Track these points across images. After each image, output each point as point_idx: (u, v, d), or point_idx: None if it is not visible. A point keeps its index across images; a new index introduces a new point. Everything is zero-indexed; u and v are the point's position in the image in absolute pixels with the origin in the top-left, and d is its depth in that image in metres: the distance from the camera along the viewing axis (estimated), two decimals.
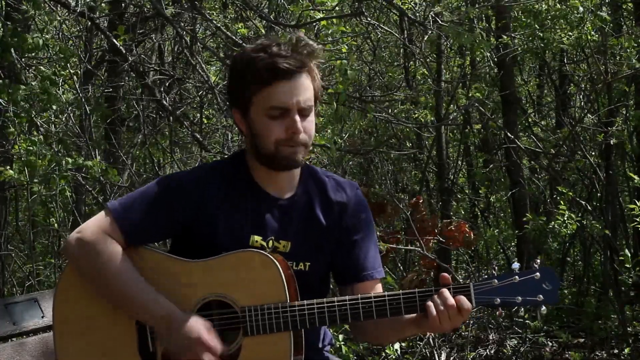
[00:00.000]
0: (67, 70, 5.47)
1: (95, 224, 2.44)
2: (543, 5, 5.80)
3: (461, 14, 5.67)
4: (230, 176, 2.50)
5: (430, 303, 2.34)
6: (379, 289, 2.58)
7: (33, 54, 5.76)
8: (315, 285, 2.50)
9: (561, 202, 6.12)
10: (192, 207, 2.45)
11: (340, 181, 2.62)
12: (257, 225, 2.48)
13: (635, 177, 6.22)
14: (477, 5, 6.11)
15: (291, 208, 2.52)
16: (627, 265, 5.80)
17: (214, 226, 2.45)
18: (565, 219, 5.84)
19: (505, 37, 6.25)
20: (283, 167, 2.46)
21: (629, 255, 5.76)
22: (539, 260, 2.40)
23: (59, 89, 5.02)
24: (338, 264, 2.57)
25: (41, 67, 5.62)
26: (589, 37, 5.92)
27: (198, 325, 2.35)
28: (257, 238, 2.47)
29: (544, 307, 2.38)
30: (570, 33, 5.85)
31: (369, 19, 5.93)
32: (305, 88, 2.42)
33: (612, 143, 6.66)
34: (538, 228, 6.01)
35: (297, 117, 2.40)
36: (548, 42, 5.91)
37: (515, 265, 2.39)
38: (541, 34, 5.89)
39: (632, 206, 5.76)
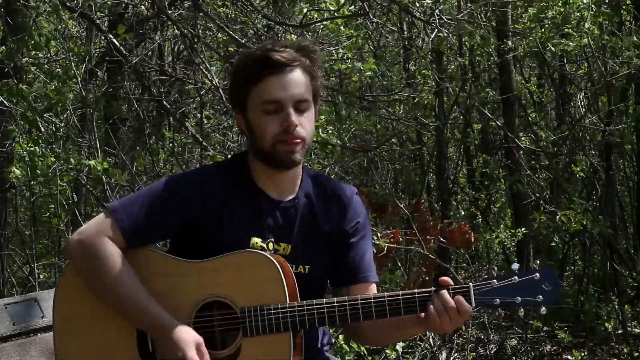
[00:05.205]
0: (72, 71, 5.46)
1: (95, 226, 2.45)
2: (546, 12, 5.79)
3: (463, 14, 5.66)
4: (231, 178, 2.50)
5: (430, 305, 2.35)
6: (373, 291, 2.58)
7: (33, 56, 5.75)
8: (314, 288, 2.49)
9: (564, 199, 6.12)
10: (193, 209, 2.44)
11: (340, 185, 2.63)
12: (257, 227, 2.48)
13: None
14: (479, 3, 6.09)
15: (292, 211, 2.52)
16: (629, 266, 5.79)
17: (215, 228, 2.45)
18: (571, 212, 5.81)
19: (505, 40, 6.25)
20: (282, 165, 2.45)
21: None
22: (538, 262, 2.42)
23: (66, 87, 5.02)
24: (335, 266, 2.57)
25: (45, 67, 5.62)
26: (594, 36, 5.91)
27: (184, 343, 2.33)
28: (257, 240, 2.47)
29: (543, 308, 2.39)
30: (571, 32, 5.84)
31: (373, 17, 5.90)
32: (299, 83, 2.42)
33: (611, 143, 6.66)
34: (544, 226, 6.00)
35: (292, 111, 2.40)
36: (550, 42, 5.90)
37: (515, 266, 2.40)
38: (542, 35, 5.88)
39: None
